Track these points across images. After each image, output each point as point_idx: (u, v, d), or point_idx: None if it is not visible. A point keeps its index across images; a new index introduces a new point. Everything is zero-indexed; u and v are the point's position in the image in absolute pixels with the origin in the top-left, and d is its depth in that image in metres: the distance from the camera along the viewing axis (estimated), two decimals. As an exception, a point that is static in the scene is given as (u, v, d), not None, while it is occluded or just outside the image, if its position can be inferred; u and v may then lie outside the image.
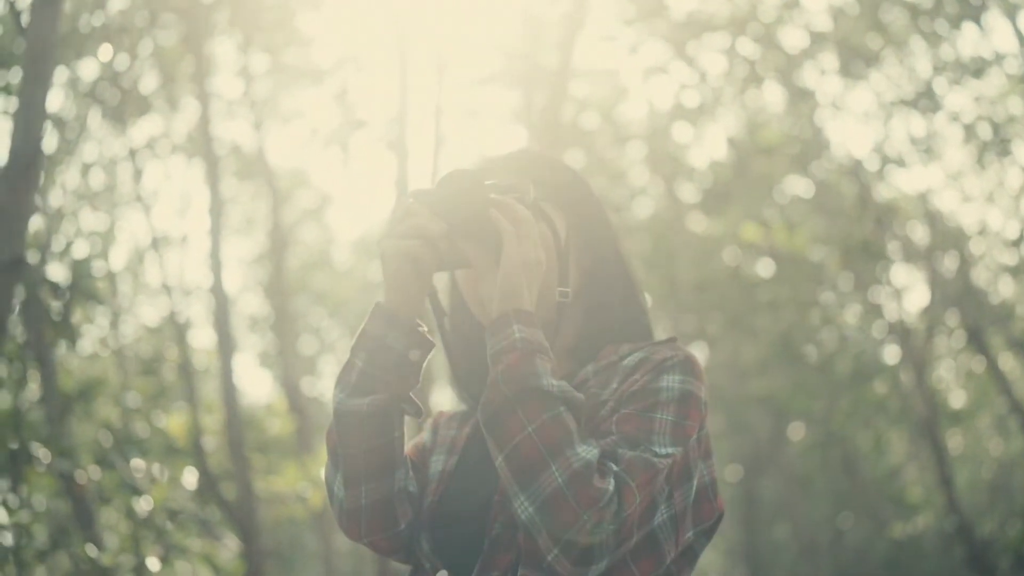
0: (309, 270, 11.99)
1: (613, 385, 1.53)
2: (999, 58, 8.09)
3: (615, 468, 1.39)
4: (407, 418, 1.60)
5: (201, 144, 5.41)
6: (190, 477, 4.90)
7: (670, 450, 1.44)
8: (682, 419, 1.47)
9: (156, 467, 5.24)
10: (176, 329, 4.93)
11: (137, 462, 5.01)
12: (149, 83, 6.59)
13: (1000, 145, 8.64)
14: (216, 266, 4.61)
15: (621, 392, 1.50)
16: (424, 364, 1.56)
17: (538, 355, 1.41)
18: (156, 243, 5.19)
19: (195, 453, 4.79)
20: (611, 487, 1.36)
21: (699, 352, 13.08)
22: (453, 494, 1.61)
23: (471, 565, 1.50)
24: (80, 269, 4.26)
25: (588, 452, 1.37)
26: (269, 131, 8.21)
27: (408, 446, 1.67)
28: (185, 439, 5.23)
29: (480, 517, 1.52)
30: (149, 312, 8.87)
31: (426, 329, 1.56)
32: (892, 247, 8.50)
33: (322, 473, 4.83)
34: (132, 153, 5.22)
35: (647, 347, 1.58)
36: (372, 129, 7.36)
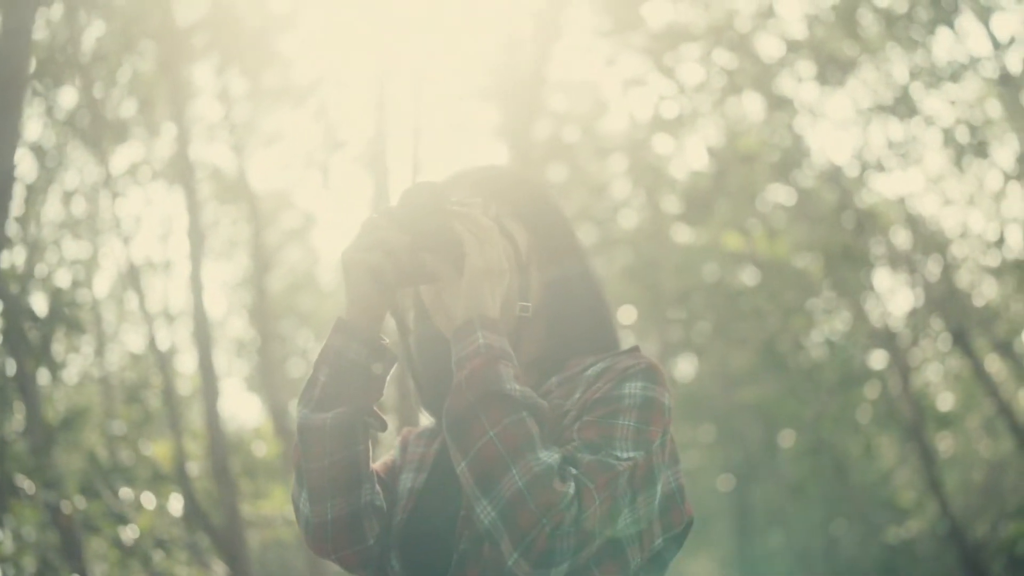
0: (294, 292, 11.97)
1: (576, 395, 1.53)
2: (974, 61, 8.15)
3: (574, 472, 1.39)
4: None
5: (181, 167, 5.40)
6: (176, 504, 4.87)
7: (631, 454, 1.43)
8: (644, 425, 1.46)
9: (142, 495, 5.22)
10: (159, 356, 4.91)
11: (123, 490, 4.99)
12: (128, 110, 6.58)
13: (978, 148, 8.70)
14: (197, 290, 4.59)
15: (584, 400, 1.50)
16: (387, 377, 1.56)
17: (502, 361, 1.42)
18: (137, 270, 5.17)
19: (180, 479, 4.77)
20: (571, 490, 1.36)
21: (687, 362, 13.11)
22: (422, 511, 1.60)
23: None
24: (60, 298, 4.25)
25: (549, 457, 1.38)
26: (250, 154, 8.20)
27: (377, 464, 1.67)
28: (170, 466, 5.21)
29: (448, 534, 1.52)
30: (133, 339, 8.85)
31: (389, 342, 1.56)
32: (875, 252, 8.54)
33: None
34: (112, 180, 5.21)
35: (610, 357, 1.58)
36: (352, 148, 7.37)
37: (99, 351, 7.51)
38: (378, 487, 1.60)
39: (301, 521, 1.56)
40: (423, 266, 1.51)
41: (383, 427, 1.56)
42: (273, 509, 5.22)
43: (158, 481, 5.10)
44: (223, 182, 7.98)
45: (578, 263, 1.69)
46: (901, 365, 8.70)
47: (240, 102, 7.76)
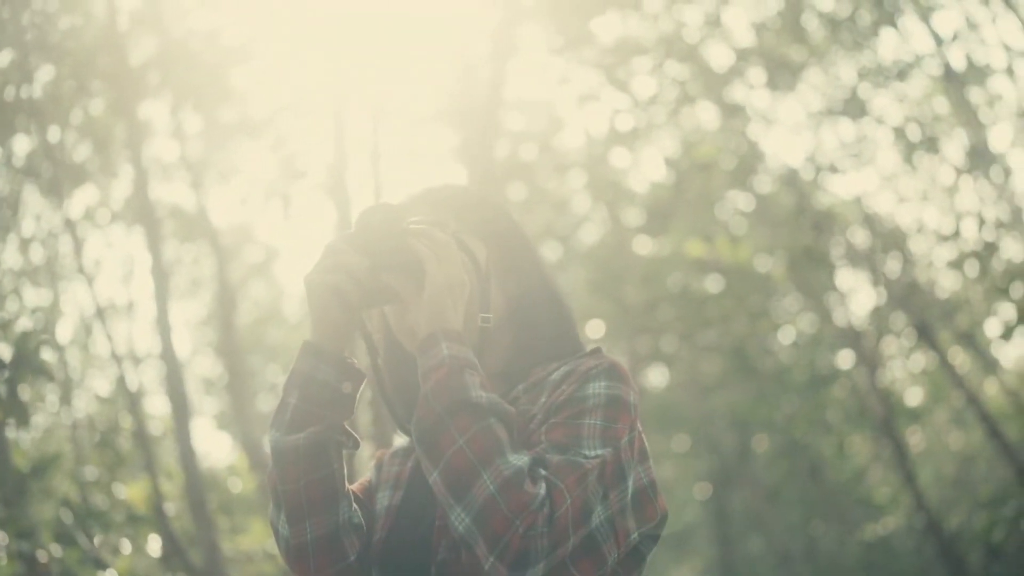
0: (260, 326, 11.91)
1: (542, 399, 1.56)
2: (919, 59, 8.30)
3: (542, 472, 1.41)
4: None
5: (140, 208, 5.38)
6: (154, 545, 4.82)
7: (599, 451, 1.46)
8: (611, 423, 1.49)
9: (119, 539, 5.16)
10: (130, 397, 4.87)
11: (99, 536, 4.93)
12: (83, 152, 6.54)
13: (928, 144, 8.84)
14: (165, 328, 4.56)
15: (550, 404, 1.53)
16: (357, 396, 1.58)
17: (466, 370, 1.44)
18: (104, 312, 5.13)
19: (159, 519, 4.72)
20: (542, 491, 1.39)
21: (657, 373, 13.16)
22: (400, 527, 1.63)
23: None
24: (24, 345, 4.21)
25: (519, 460, 1.40)
26: (209, 190, 8.17)
27: (354, 485, 1.69)
28: (146, 507, 5.16)
29: (427, 546, 1.54)
30: (100, 383, 8.74)
31: (356, 362, 1.58)
32: (835, 252, 8.64)
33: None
34: (71, 224, 5.17)
35: (572, 360, 1.62)
36: (312, 177, 7.37)
37: (64, 398, 7.43)
38: (355, 505, 1.61)
39: (281, 544, 1.58)
40: (385, 286, 1.54)
41: (356, 445, 1.59)
42: (252, 544, 5.18)
43: (134, 523, 5.04)
44: (183, 219, 7.94)
45: (538, 275, 1.72)
46: (869, 362, 8.79)
47: (196, 138, 7.74)
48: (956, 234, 8.81)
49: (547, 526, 1.38)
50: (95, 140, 6.36)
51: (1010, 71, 8.55)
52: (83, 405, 8.20)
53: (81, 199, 7.07)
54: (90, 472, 5.67)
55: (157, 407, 8.69)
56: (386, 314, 1.70)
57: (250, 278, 11.44)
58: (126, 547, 5.00)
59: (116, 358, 5.02)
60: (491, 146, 4.33)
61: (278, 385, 14.08)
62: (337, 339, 1.55)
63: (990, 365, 10.08)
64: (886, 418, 8.53)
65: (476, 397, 1.42)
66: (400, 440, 1.83)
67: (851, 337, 9.21)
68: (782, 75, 7.25)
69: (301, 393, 1.54)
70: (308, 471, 1.52)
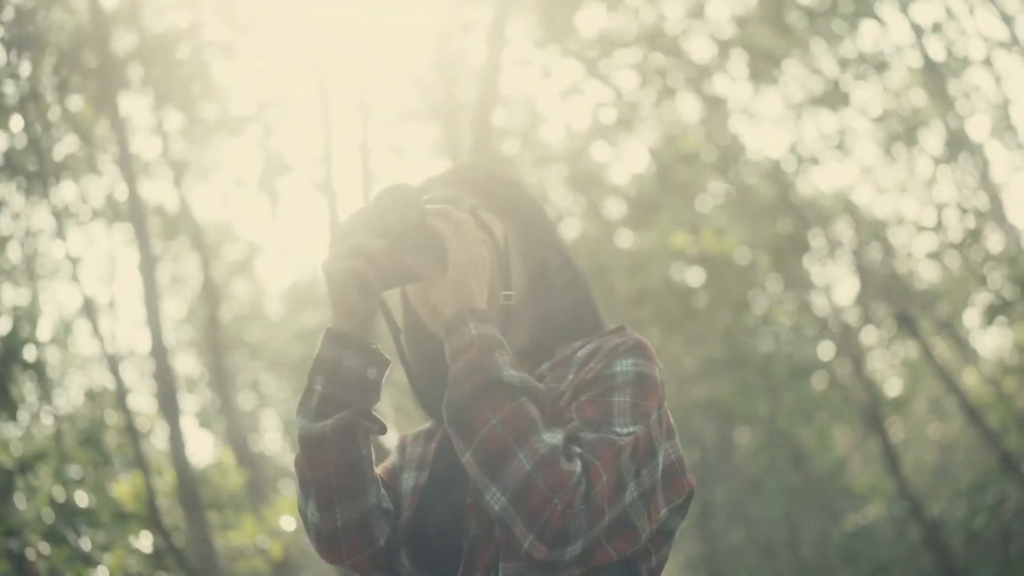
0: (242, 324, 11.86)
1: (569, 377, 1.56)
2: (899, 50, 8.36)
3: (577, 450, 1.41)
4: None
5: (127, 204, 5.34)
6: (145, 541, 4.79)
7: (631, 428, 1.46)
8: (640, 399, 1.50)
9: (108, 536, 5.13)
10: (116, 394, 4.84)
11: (89, 532, 4.90)
12: (65, 149, 6.49)
13: (908, 135, 8.91)
14: (155, 324, 4.53)
15: (577, 381, 1.53)
16: (383, 381, 1.57)
17: (496, 349, 1.44)
18: (90, 310, 5.10)
19: (150, 516, 4.70)
20: (578, 469, 1.38)
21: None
22: (427, 506, 1.62)
23: (453, 572, 1.52)
24: (14, 339, 4.18)
25: (553, 438, 1.40)
26: (191, 187, 8.12)
27: (378, 469, 1.67)
28: (135, 504, 5.12)
29: (456, 524, 1.54)
30: (81, 381, 8.69)
31: (380, 347, 1.57)
32: (817, 243, 8.69)
33: (279, 523, 4.71)
34: (59, 218, 5.13)
35: (597, 338, 1.62)
36: (298, 172, 7.33)
37: (45, 396, 7.37)
38: (383, 490, 1.61)
39: (311, 531, 1.57)
40: (405, 267, 1.53)
41: (383, 430, 1.57)
42: (244, 540, 5.16)
43: (123, 520, 5.01)
44: (165, 218, 7.89)
45: (557, 252, 1.73)
46: (852, 352, 8.85)
47: (178, 135, 7.69)
48: (938, 225, 8.88)
49: (584, 503, 1.38)
50: (79, 135, 6.31)
51: (988, 62, 8.64)
52: (63, 403, 8.15)
53: (61, 196, 7.02)
54: (75, 470, 5.63)
55: (140, 404, 8.64)
56: (407, 293, 1.68)
57: (233, 276, 11.39)
58: (116, 544, 4.97)
59: (105, 355, 4.98)
60: (486, 138, 4.33)
61: (259, 383, 14.09)
62: (360, 324, 1.53)
63: (969, 355, 10.17)
64: (871, 406, 8.59)
65: (508, 376, 1.42)
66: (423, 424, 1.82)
67: (833, 327, 9.26)
68: (764, 66, 7.28)
69: (327, 380, 1.53)
70: (337, 457, 1.52)
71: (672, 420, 1.59)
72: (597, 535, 1.43)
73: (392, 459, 1.77)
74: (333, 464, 1.52)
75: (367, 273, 1.50)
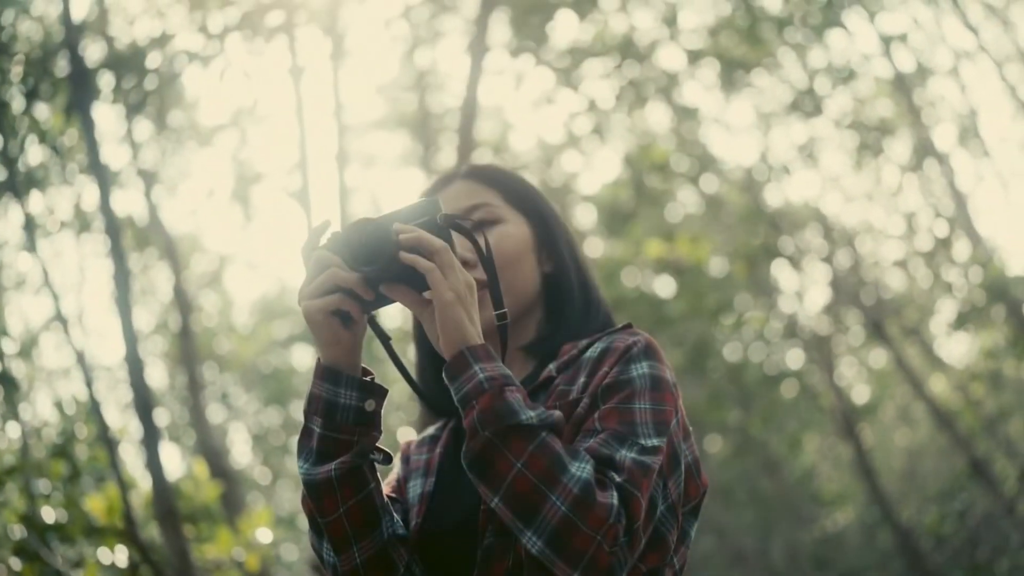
0: (211, 336, 11.76)
1: (581, 379, 1.54)
2: (866, 59, 8.45)
3: (617, 479, 1.38)
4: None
5: (100, 215, 5.28)
6: (120, 556, 4.72)
7: (655, 442, 1.44)
8: (659, 405, 1.48)
9: (82, 551, 5.05)
10: (88, 407, 4.77)
11: (61, 549, 4.82)
12: (33, 159, 6.40)
13: (875, 144, 9.01)
14: (130, 336, 4.48)
15: (594, 387, 1.51)
16: (381, 411, 1.52)
17: (507, 389, 1.39)
18: (62, 321, 5.02)
19: (126, 529, 4.63)
20: (614, 500, 1.35)
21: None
22: (435, 513, 1.61)
23: None
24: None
25: (582, 470, 1.36)
26: (162, 197, 8.05)
27: (385, 489, 1.65)
28: (108, 517, 5.05)
29: (466, 530, 1.51)
30: (48, 394, 8.56)
31: (374, 375, 1.53)
32: (788, 251, 8.76)
33: (255, 536, 4.63)
34: (31, 228, 5.06)
35: (605, 336, 1.60)
36: (270, 181, 7.29)
37: (11, 411, 7.27)
38: (396, 515, 1.59)
39: (330, 569, 1.54)
40: (384, 295, 1.47)
41: (388, 460, 1.54)
42: (220, 553, 5.10)
43: (97, 534, 4.93)
44: (135, 227, 7.81)
45: (572, 254, 1.74)
46: (824, 359, 8.91)
47: (148, 145, 7.63)
48: (908, 232, 8.98)
49: (627, 535, 1.36)
50: (48, 145, 6.22)
51: (954, 71, 8.76)
52: (31, 417, 8.02)
53: (31, 206, 6.92)
54: (44, 485, 5.53)
55: (110, 417, 8.53)
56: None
57: (203, 287, 11.30)
58: (91, 559, 4.89)
59: (79, 366, 4.91)
60: (469, 146, 4.32)
61: (230, 396, 13.98)
62: (349, 356, 1.48)
63: (936, 361, 10.29)
64: (845, 414, 8.65)
65: (526, 418, 1.37)
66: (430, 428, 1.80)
67: (805, 335, 9.32)
68: (735, 75, 7.34)
69: (325, 421, 1.48)
70: (346, 498, 1.48)
71: (687, 420, 1.59)
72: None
73: (396, 472, 1.75)
74: (343, 506, 1.49)
75: (347, 305, 1.44)
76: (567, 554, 1.34)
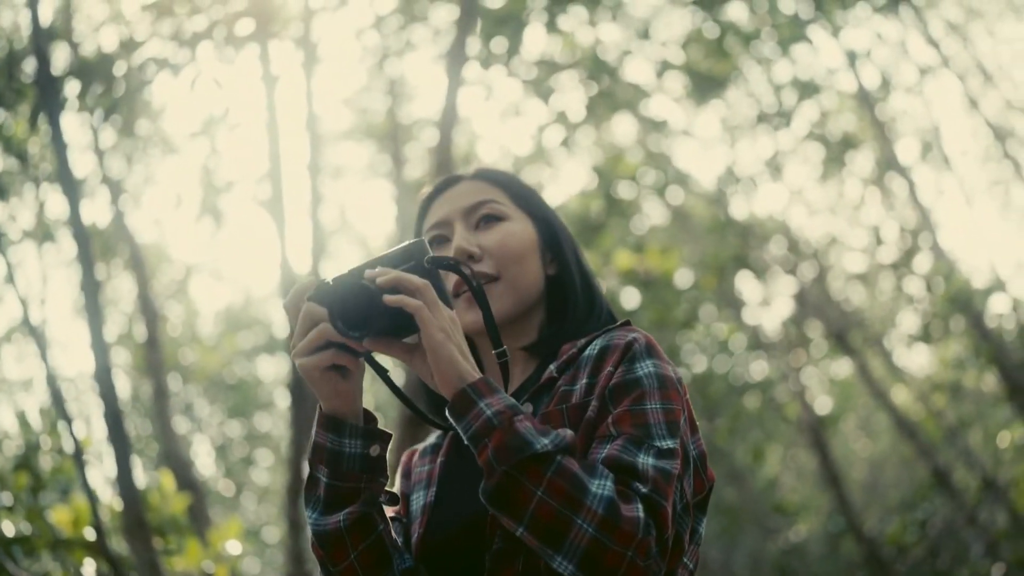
0: (175, 346, 11.65)
1: (584, 380, 1.54)
2: (831, 73, 8.55)
3: (642, 489, 1.38)
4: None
5: (68, 224, 5.23)
6: (88, 568, 4.66)
7: (670, 443, 1.44)
8: (668, 403, 1.48)
9: (48, 564, 4.98)
10: (63, 415, 4.71)
11: (26, 562, 4.75)
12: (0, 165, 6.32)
13: (838, 159, 9.12)
14: (99, 345, 4.43)
15: (601, 388, 1.51)
16: (387, 454, 1.52)
17: (516, 421, 1.37)
18: (33, 331, 4.96)
19: (95, 541, 4.57)
20: (640, 512, 1.35)
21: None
22: (439, 522, 1.60)
23: None
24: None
25: (603, 487, 1.35)
26: (128, 206, 7.97)
27: (390, 511, 1.65)
28: (74, 529, 4.98)
29: (471, 538, 1.51)
30: (7, 406, 8.46)
31: (378, 419, 1.53)
32: (754, 263, 8.84)
33: (225, 548, 4.60)
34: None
35: (603, 334, 1.60)
36: (240, 190, 7.24)
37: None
38: (407, 553, 1.60)
39: None
40: (376, 343, 1.46)
41: (395, 501, 1.55)
42: (189, 565, 5.04)
43: (64, 547, 4.87)
44: (100, 236, 7.73)
45: (575, 257, 1.75)
46: (791, 370, 8.99)
47: (114, 153, 7.56)
48: (876, 244, 9.08)
49: (658, 546, 1.36)
50: (12, 153, 6.15)
51: (917, 88, 8.90)
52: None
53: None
54: (6, 497, 5.45)
55: (73, 428, 8.40)
56: None
57: (169, 297, 11.20)
58: (56, 572, 4.82)
59: (48, 378, 4.85)
60: (447, 157, 4.32)
61: (194, 406, 13.86)
62: (351, 406, 1.49)
63: (898, 372, 10.43)
64: (812, 425, 8.72)
65: (541, 447, 1.36)
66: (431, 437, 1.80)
67: (771, 345, 9.40)
68: (703, 87, 7.40)
69: (331, 470, 1.49)
70: (355, 545, 1.49)
71: (694, 415, 1.59)
72: None
73: (398, 488, 1.74)
74: (354, 552, 1.49)
75: (342, 359, 1.44)
76: (601, 573, 1.33)
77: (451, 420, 1.41)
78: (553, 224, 1.75)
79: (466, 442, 1.40)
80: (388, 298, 1.38)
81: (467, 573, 1.51)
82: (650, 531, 1.35)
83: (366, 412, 1.53)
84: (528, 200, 1.75)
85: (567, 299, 1.70)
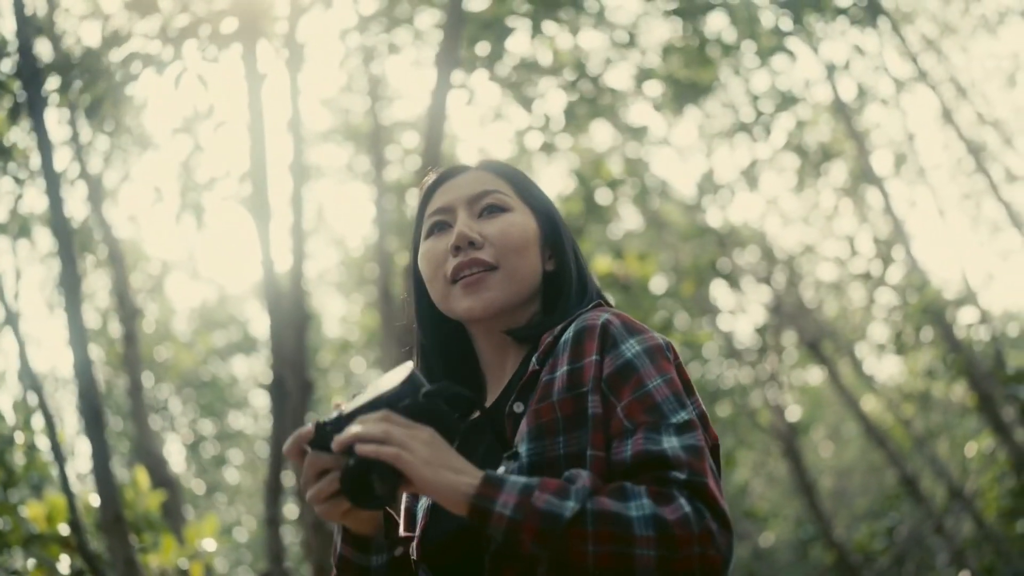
0: (150, 343, 11.59)
1: (564, 367, 1.54)
2: (808, 85, 8.64)
3: (680, 477, 1.39)
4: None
5: (49, 218, 5.21)
6: (63, 564, 4.64)
7: (683, 415, 1.46)
8: (664, 374, 1.50)
9: (22, 559, 4.96)
10: (43, 410, 4.68)
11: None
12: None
13: (814, 169, 9.20)
14: (79, 339, 4.41)
15: (594, 380, 1.51)
16: (410, 553, 1.61)
17: (534, 502, 1.37)
18: (14, 324, 4.94)
19: (70, 537, 4.55)
20: (685, 507, 1.36)
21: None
22: (437, 522, 1.61)
23: None
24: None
25: (642, 507, 1.37)
26: (108, 201, 7.93)
27: (402, 524, 1.70)
28: (49, 525, 4.95)
29: (470, 538, 1.51)
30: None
31: (399, 524, 1.62)
32: (729, 271, 8.91)
33: (201, 545, 4.60)
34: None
35: (576, 319, 1.61)
36: (219, 188, 7.21)
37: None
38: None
39: None
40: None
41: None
42: (165, 562, 5.04)
43: (38, 542, 4.85)
44: (79, 232, 7.69)
45: (573, 252, 1.76)
46: (767, 378, 9.06)
47: (94, 149, 7.52)
48: (851, 254, 9.16)
49: (717, 520, 1.37)
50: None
51: (893, 99, 9.00)
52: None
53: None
54: (-22, 491, 5.41)
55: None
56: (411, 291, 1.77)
57: (146, 293, 11.15)
58: (30, 568, 4.80)
59: (25, 372, 4.82)
60: (435, 157, 4.33)
61: (167, 404, 13.78)
62: (373, 525, 1.55)
63: (868, 381, 10.53)
64: (786, 432, 8.79)
65: (571, 512, 1.36)
66: None
67: (745, 353, 9.47)
68: (682, 95, 7.46)
69: None
70: None
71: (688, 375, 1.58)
72: None
73: (405, 502, 1.76)
74: None
75: (352, 505, 1.45)
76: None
77: (475, 524, 1.40)
78: (555, 220, 1.76)
79: (501, 540, 1.39)
80: (360, 448, 1.37)
81: (467, 574, 1.52)
82: (703, 516, 1.35)
83: (387, 514, 1.59)
84: (532, 194, 1.76)
85: (561, 295, 1.71)
